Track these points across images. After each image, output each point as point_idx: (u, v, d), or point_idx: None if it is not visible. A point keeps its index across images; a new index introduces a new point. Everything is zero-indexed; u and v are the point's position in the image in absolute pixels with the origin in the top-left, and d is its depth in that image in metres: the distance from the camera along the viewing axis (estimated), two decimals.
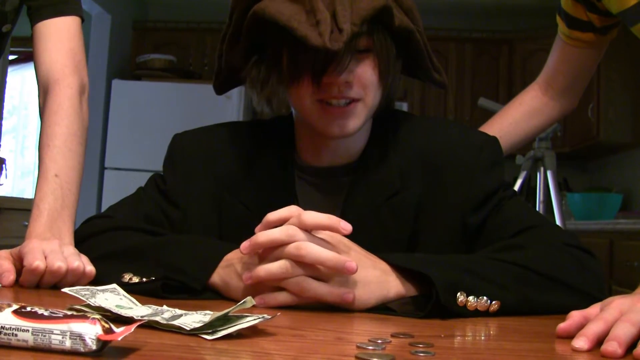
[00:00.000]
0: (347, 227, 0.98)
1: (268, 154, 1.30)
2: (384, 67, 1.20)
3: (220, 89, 1.36)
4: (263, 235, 0.98)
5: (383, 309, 0.99)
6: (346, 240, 1.02)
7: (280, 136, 1.32)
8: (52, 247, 1.15)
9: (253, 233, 1.02)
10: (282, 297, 0.98)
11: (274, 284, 0.98)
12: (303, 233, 0.97)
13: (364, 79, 1.18)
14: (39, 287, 1.12)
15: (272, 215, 1.01)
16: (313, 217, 0.98)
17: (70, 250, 1.17)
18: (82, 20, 1.51)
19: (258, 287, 0.99)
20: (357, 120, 1.19)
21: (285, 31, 1.12)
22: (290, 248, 0.96)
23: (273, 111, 1.31)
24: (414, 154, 1.27)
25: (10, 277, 1.11)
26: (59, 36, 1.45)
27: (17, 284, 1.12)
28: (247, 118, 5.56)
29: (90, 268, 1.14)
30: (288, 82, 1.19)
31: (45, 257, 1.13)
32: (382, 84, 1.21)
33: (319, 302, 0.97)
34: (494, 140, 1.31)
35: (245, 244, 0.99)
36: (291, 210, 1.00)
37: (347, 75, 1.16)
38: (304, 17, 1.10)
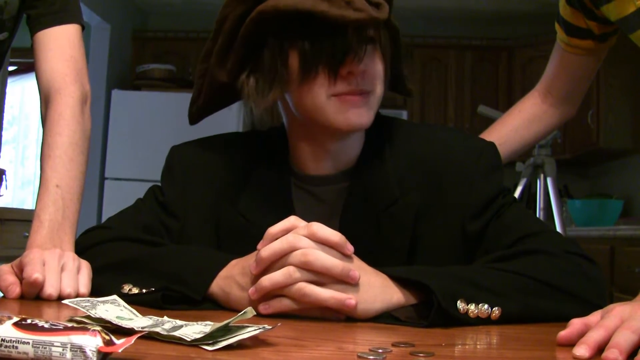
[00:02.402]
0: (351, 249, 0.99)
1: (265, 163, 1.30)
2: (387, 60, 1.21)
3: (197, 116, 1.34)
4: (265, 251, 0.98)
5: (386, 317, 0.99)
6: None
7: (276, 146, 1.32)
8: (52, 262, 1.15)
9: (251, 243, 1.02)
10: (286, 302, 0.97)
11: (278, 293, 0.98)
12: (305, 240, 0.97)
13: (375, 71, 1.18)
14: (39, 299, 1.12)
15: (274, 229, 1.00)
16: (324, 231, 0.98)
17: (69, 265, 1.17)
18: (83, 28, 1.50)
19: (260, 298, 0.99)
20: (371, 111, 1.20)
21: (297, 26, 1.12)
22: (297, 254, 0.96)
23: (274, 120, 1.30)
24: (412, 160, 1.27)
25: (16, 289, 1.12)
26: (60, 45, 1.44)
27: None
28: (246, 129, 5.56)
29: (84, 291, 1.15)
30: (300, 80, 1.17)
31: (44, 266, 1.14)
32: (386, 78, 1.22)
33: (321, 313, 0.97)
34: (492, 145, 1.31)
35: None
36: (291, 222, 1.00)
37: (365, 65, 1.16)
38: (326, 4, 1.09)
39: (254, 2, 1.16)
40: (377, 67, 1.19)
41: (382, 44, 1.20)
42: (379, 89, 1.20)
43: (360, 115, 1.18)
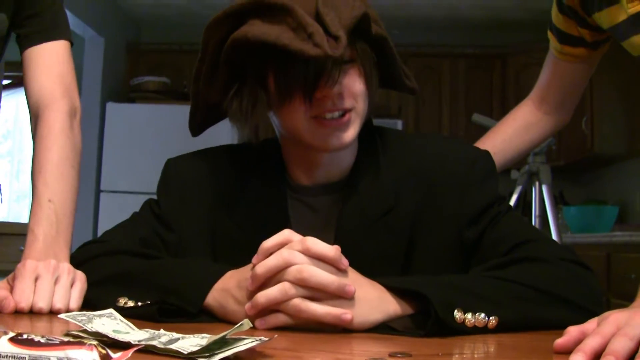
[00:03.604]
0: (345, 263, 0.99)
1: (259, 175, 1.30)
2: (368, 76, 1.21)
3: (198, 130, 1.36)
4: (260, 267, 0.98)
5: (383, 327, 0.98)
6: None
7: (271, 157, 1.32)
8: (45, 275, 1.16)
9: (247, 253, 1.02)
10: (282, 317, 0.97)
11: (274, 308, 0.98)
12: (300, 255, 0.97)
13: (354, 89, 1.19)
14: (32, 313, 1.12)
15: (268, 243, 1.00)
16: (318, 247, 0.98)
17: (63, 278, 1.17)
18: (71, 44, 1.50)
19: (257, 313, 0.99)
20: (353, 130, 1.20)
21: (270, 53, 1.13)
22: (292, 271, 0.96)
23: (259, 139, 1.30)
24: (407, 169, 1.27)
25: (11, 304, 1.12)
26: (48, 61, 1.44)
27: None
28: (241, 140, 5.55)
29: (74, 307, 1.15)
30: (278, 104, 1.19)
31: (37, 279, 1.15)
32: (369, 93, 1.22)
33: (317, 326, 0.97)
34: (486, 154, 1.32)
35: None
36: (285, 236, 1.00)
37: (339, 87, 1.16)
38: (291, 34, 1.11)
39: (230, 28, 1.18)
40: (356, 85, 1.19)
41: (362, 60, 1.20)
42: (360, 105, 1.21)
43: (340, 138, 1.19)
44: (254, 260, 1.00)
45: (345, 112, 1.19)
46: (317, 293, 0.96)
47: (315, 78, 1.13)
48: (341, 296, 0.96)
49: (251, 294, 0.99)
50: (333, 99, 1.17)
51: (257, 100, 1.21)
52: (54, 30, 1.46)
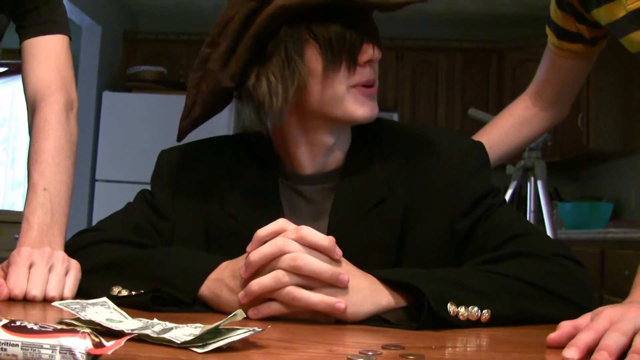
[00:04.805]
0: (339, 253, 1.00)
1: (252, 164, 1.30)
2: (379, 49, 1.23)
3: (189, 129, 1.29)
4: (255, 255, 0.98)
5: (376, 319, 0.99)
6: None
7: (264, 147, 1.31)
8: (39, 262, 1.16)
9: (241, 243, 1.02)
10: (275, 306, 0.97)
11: (268, 296, 0.98)
12: (294, 244, 0.97)
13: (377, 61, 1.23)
14: (26, 301, 1.12)
15: (262, 231, 1.00)
16: (313, 236, 0.98)
17: (57, 266, 1.17)
18: (70, 39, 1.50)
19: (250, 302, 0.99)
20: (376, 102, 1.23)
21: (316, 17, 1.15)
22: (286, 259, 0.96)
23: (282, 121, 1.26)
24: (400, 159, 1.27)
25: (4, 291, 1.12)
26: (46, 54, 1.45)
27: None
28: (237, 131, 5.54)
29: (68, 295, 1.15)
30: (323, 72, 1.18)
31: (31, 267, 1.15)
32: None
33: (311, 316, 0.97)
34: (479, 145, 1.32)
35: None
36: (280, 224, 1.00)
37: (377, 53, 1.20)
38: None
39: (258, 3, 1.15)
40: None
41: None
42: (377, 81, 1.23)
43: (373, 107, 1.22)
44: (248, 248, 1.00)
45: (373, 83, 1.21)
46: (310, 282, 0.96)
47: (361, 41, 1.17)
48: (335, 285, 0.96)
49: (245, 282, 0.99)
50: (375, 61, 1.20)
51: (295, 74, 1.17)
52: (53, 25, 1.47)
